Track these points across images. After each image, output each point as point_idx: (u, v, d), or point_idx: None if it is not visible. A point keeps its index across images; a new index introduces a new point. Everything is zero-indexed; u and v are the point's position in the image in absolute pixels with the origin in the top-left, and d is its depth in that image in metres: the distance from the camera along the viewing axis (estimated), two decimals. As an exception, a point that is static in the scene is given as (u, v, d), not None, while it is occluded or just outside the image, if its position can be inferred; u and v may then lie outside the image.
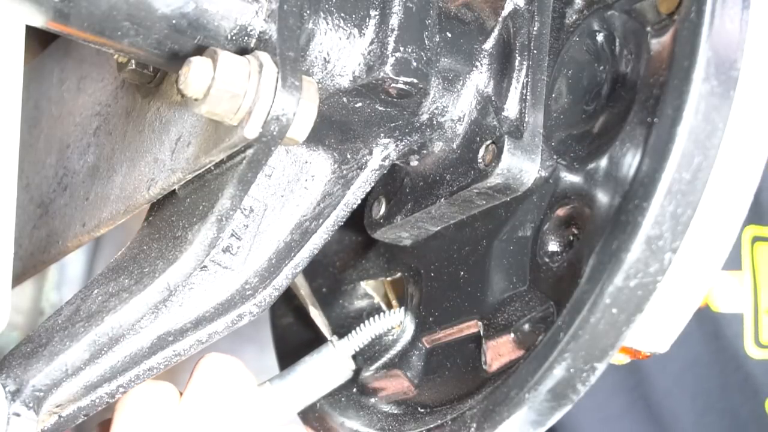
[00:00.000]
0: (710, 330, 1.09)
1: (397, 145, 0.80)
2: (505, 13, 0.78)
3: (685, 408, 1.12)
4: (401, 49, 0.74)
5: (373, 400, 0.86)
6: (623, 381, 1.14)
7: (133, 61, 0.75)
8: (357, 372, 0.87)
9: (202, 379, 0.77)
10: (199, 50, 0.67)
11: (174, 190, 0.75)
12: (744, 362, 1.08)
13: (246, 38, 0.68)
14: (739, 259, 1.07)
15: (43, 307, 1.37)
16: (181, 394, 0.77)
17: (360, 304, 0.94)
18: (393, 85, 0.74)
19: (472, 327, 0.77)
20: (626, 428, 1.15)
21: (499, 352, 0.74)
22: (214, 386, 0.76)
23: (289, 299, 0.99)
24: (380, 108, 0.77)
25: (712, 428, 1.12)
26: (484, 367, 0.75)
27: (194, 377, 0.77)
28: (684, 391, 1.12)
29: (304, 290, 0.92)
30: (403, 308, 0.87)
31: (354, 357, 0.87)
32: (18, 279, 0.90)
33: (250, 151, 0.67)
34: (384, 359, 0.85)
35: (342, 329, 0.89)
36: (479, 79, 0.78)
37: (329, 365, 0.86)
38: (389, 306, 0.92)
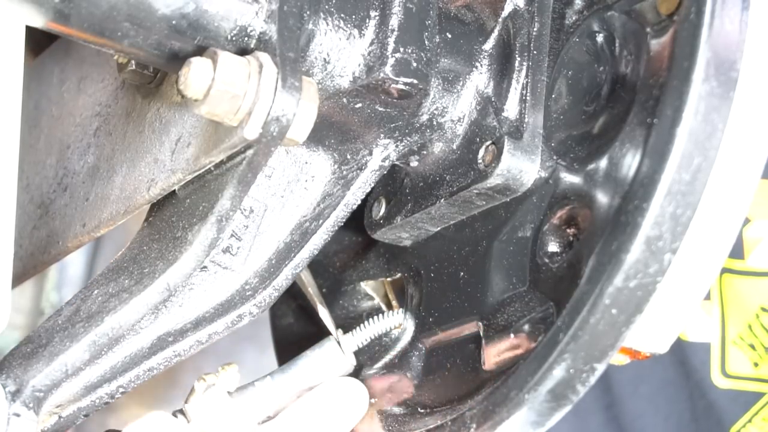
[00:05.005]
0: (679, 357, 1.10)
1: (397, 146, 0.80)
2: (505, 13, 0.78)
3: (658, 429, 1.13)
4: (401, 49, 0.74)
5: (373, 400, 0.86)
6: (598, 400, 1.14)
7: (133, 62, 0.75)
8: (357, 372, 0.87)
9: None
10: (199, 51, 0.67)
11: (174, 190, 0.75)
12: (709, 391, 1.09)
13: (246, 39, 0.68)
14: (708, 290, 1.08)
15: (43, 308, 1.37)
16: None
17: (360, 304, 0.94)
18: (393, 85, 0.74)
19: (471, 327, 0.77)
20: None
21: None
22: None
23: (289, 299, 0.99)
24: (380, 109, 0.77)
25: None
26: (483, 367, 0.75)
27: None
28: (657, 413, 1.13)
29: (312, 289, 0.92)
30: (403, 309, 0.87)
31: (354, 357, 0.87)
32: (18, 279, 0.90)
33: (250, 152, 0.67)
34: (384, 360, 0.85)
35: (342, 329, 0.89)
36: (479, 79, 0.78)
37: (331, 359, 0.86)
38: (389, 306, 0.91)
